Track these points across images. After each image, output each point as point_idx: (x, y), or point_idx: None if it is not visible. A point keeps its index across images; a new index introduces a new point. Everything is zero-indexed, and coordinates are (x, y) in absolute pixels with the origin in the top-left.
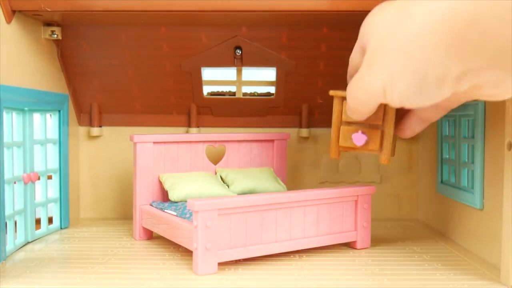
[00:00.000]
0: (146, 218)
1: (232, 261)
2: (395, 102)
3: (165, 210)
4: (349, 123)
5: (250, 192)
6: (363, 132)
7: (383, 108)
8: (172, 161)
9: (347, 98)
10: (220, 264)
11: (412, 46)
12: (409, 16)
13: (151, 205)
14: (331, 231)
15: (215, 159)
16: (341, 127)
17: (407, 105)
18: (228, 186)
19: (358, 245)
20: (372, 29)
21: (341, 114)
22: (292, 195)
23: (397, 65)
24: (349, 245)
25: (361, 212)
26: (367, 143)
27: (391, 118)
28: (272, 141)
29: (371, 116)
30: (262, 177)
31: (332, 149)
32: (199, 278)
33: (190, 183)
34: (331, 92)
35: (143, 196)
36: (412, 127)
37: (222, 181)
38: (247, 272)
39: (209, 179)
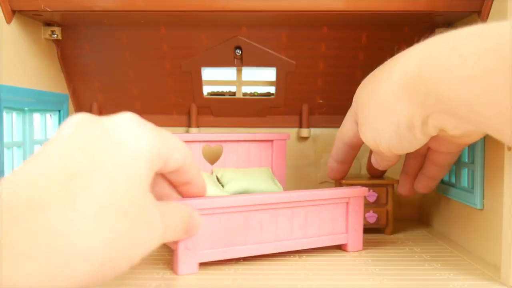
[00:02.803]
0: None
1: (232, 261)
2: (386, 151)
3: None
4: None
5: (245, 192)
6: (374, 212)
7: (386, 191)
8: None
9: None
10: (220, 263)
11: (384, 103)
12: (378, 81)
13: None
14: (320, 233)
15: (212, 159)
16: None
17: (396, 152)
18: (223, 186)
19: (349, 248)
20: (357, 97)
21: None
22: (278, 196)
23: (378, 121)
24: (341, 248)
25: (352, 214)
26: (377, 220)
27: (392, 198)
28: (271, 141)
29: (378, 198)
30: (258, 178)
31: None
32: (180, 278)
33: None
34: (343, 182)
35: None
36: (425, 186)
37: (218, 181)
38: (247, 272)
39: (204, 178)
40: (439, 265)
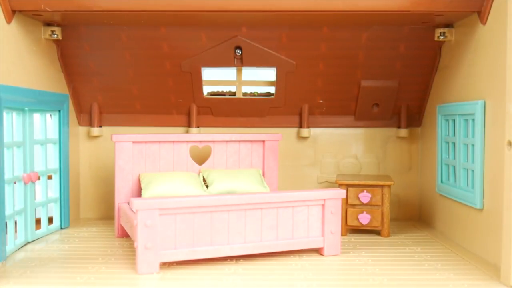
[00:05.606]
0: (122, 216)
1: (232, 261)
2: None
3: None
4: (354, 206)
5: (229, 193)
6: (367, 213)
7: (381, 192)
8: (154, 161)
9: None
10: (219, 263)
11: None
12: None
13: (128, 204)
14: (293, 236)
15: (200, 159)
16: (348, 209)
17: None
18: (208, 187)
19: (325, 252)
20: None
21: (347, 199)
22: (244, 197)
23: None
24: (318, 252)
25: (328, 217)
26: (370, 221)
27: (388, 200)
28: (263, 141)
29: (372, 199)
30: (245, 179)
31: (342, 229)
32: (140, 277)
33: (164, 182)
34: (337, 182)
35: (122, 195)
36: None
37: (204, 182)
38: (247, 272)
39: (187, 179)
40: (439, 265)
